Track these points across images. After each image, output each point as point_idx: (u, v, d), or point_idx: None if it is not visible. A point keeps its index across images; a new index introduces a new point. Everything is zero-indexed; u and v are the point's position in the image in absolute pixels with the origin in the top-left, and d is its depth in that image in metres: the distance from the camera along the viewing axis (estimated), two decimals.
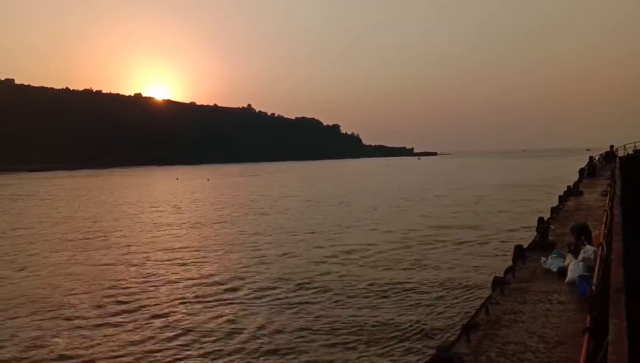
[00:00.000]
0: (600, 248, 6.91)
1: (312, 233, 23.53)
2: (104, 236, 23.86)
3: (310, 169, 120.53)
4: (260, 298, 12.69)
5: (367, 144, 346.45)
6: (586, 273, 6.95)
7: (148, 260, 17.96)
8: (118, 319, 11.27)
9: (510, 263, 9.55)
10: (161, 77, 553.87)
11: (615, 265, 5.41)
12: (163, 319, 11.19)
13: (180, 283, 14.47)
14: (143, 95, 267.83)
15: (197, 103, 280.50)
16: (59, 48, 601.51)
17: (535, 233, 11.40)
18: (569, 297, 6.71)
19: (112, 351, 9.36)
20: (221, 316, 11.31)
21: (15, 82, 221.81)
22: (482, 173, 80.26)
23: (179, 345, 9.64)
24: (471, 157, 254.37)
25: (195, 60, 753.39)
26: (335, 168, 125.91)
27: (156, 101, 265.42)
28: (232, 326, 10.63)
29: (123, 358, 9.05)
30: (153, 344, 9.69)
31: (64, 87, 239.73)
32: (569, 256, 8.15)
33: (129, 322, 11.06)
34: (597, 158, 35.09)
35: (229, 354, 9.17)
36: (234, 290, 13.53)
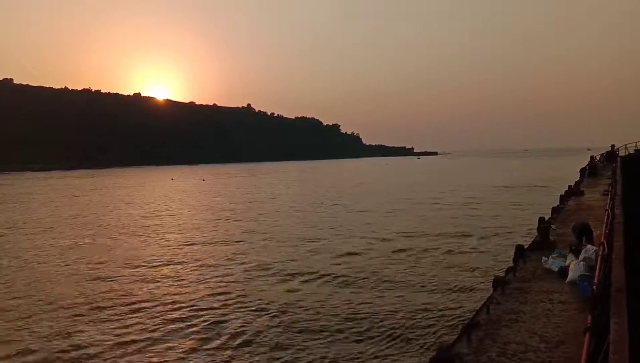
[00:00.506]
0: (601, 247, 6.91)
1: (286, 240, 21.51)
2: (50, 244, 22.05)
3: (307, 169, 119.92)
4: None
5: (367, 143, 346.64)
6: (587, 273, 6.96)
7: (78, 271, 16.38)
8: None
9: (511, 262, 9.56)
10: (160, 77, 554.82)
11: (617, 265, 5.42)
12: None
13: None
14: (142, 95, 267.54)
15: (197, 103, 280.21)
16: (58, 48, 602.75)
17: (536, 232, 11.40)
18: (570, 297, 6.72)
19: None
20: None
21: (14, 82, 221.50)
22: (481, 173, 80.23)
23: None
24: (472, 157, 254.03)
25: (194, 60, 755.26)
26: (333, 169, 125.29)
27: (155, 101, 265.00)
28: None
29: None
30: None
31: (63, 87, 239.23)
32: (570, 256, 8.16)
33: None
34: (598, 158, 35.08)
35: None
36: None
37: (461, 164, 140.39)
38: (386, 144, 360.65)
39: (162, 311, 11.81)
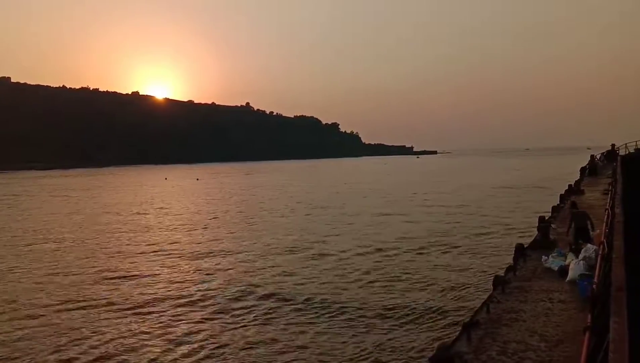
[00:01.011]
0: (601, 247, 6.93)
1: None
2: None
3: (305, 169, 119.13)
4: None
5: (366, 142, 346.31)
6: (587, 272, 6.98)
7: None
8: None
9: (511, 261, 9.57)
10: (159, 76, 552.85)
11: (617, 264, 5.42)
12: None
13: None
14: (140, 93, 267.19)
15: (195, 101, 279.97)
16: (56, 46, 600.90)
17: (537, 231, 11.42)
18: (569, 296, 6.73)
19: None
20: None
21: (12, 81, 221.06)
22: (481, 173, 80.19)
23: None
24: (472, 156, 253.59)
25: (193, 58, 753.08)
26: (332, 168, 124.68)
27: (154, 100, 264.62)
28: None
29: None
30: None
31: (61, 86, 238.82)
32: (570, 255, 8.18)
33: None
34: (598, 157, 35.04)
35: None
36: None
37: (461, 163, 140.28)
38: (385, 143, 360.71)
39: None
